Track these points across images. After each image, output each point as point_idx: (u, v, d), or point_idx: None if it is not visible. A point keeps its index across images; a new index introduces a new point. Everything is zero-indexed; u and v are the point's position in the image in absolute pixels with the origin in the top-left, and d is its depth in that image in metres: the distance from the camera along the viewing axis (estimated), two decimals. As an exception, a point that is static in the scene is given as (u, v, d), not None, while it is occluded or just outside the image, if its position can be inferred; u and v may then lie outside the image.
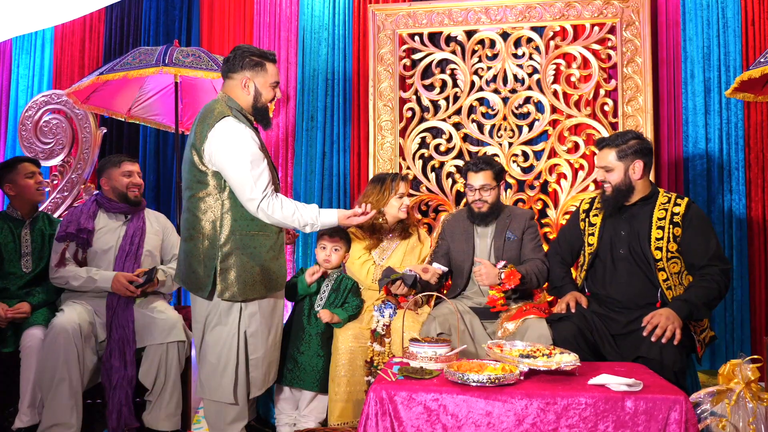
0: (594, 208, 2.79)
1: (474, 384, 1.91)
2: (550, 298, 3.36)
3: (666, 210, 2.60)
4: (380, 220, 3.03)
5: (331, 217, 2.53)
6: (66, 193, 4.09)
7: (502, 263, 2.78)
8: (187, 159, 2.50)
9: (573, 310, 2.62)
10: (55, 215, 4.02)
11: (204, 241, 2.44)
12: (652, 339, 2.36)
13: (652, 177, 3.61)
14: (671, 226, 2.57)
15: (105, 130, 4.21)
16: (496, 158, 3.70)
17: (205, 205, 2.44)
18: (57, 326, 2.67)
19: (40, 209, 3.21)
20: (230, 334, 2.46)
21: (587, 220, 2.79)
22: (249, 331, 2.49)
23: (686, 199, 2.63)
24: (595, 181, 3.71)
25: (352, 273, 3.00)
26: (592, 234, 2.73)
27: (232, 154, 2.38)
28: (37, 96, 4.24)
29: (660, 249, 2.57)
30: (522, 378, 1.98)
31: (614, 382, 1.91)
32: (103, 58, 4.50)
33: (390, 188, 3.03)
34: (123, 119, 4.10)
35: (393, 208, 3.03)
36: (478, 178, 2.93)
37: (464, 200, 3.75)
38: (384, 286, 2.80)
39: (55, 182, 4.11)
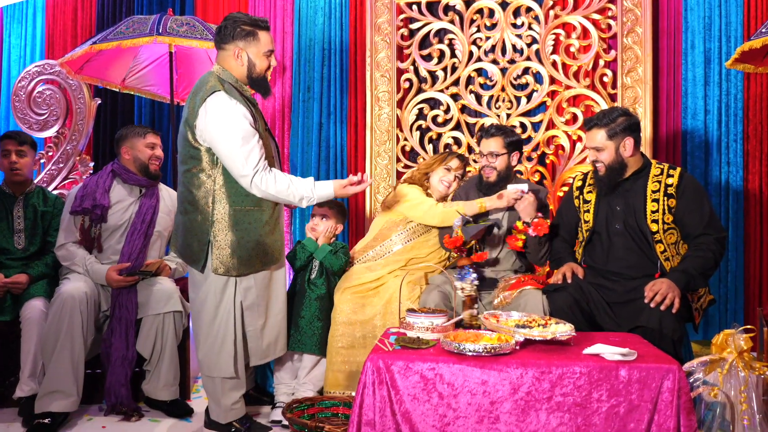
0: (587, 184, 2.78)
1: (470, 354, 1.92)
2: (548, 269, 3.38)
3: (660, 182, 2.60)
4: (426, 183, 3.03)
5: (327, 188, 2.51)
6: (61, 165, 4.07)
7: (539, 213, 2.74)
8: (182, 134, 2.48)
9: (569, 281, 2.63)
10: (50, 187, 4.00)
11: (197, 216, 2.44)
12: (652, 305, 2.39)
13: (650, 149, 3.62)
14: (665, 198, 2.57)
15: (99, 101, 4.17)
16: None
17: (199, 181, 2.43)
18: (64, 293, 2.68)
19: (34, 183, 3.17)
20: (226, 309, 2.48)
21: (581, 197, 2.79)
22: (245, 303, 2.51)
23: (679, 168, 2.62)
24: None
25: (418, 202, 2.92)
26: (588, 211, 2.73)
27: (222, 130, 2.36)
28: (30, 66, 4.18)
29: (656, 221, 2.57)
30: (518, 348, 2.00)
31: (608, 351, 1.93)
32: (96, 27, 4.43)
33: (443, 158, 3.05)
34: (117, 90, 4.06)
35: (436, 177, 3.02)
36: (487, 145, 2.90)
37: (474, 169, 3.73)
38: (472, 235, 2.68)
39: (50, 154, 4.08)
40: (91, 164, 4.11)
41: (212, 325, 2.49)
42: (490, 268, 2.94)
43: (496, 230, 2.88)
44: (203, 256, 2.45)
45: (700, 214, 2.54)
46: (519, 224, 2.73)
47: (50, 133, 4.10)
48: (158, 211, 2.99)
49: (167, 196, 3.08)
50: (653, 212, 2.58)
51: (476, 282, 2.61)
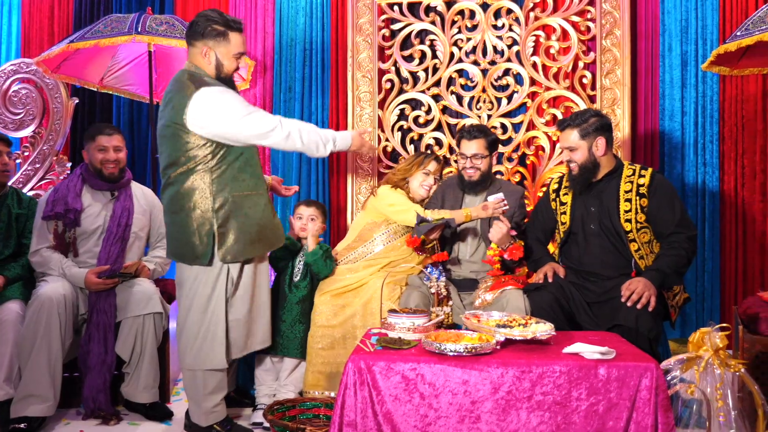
0: (563, 186, 2.83)
1: (451, 354, 1.93)
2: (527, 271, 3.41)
3: (632, 182, 2.66)
4: (404, 187, 3.04)
5: (346, 139, 2.56)
6: (38, 165, 4.00)
7: (514, 233, 2.77)
8: (169, 136, 2.43)
9: (550, 280, 2.66)
10: (27, 188, 3.94)
11: (195, 211, 2.41)
12: (628, 304, 2.43)
13: (628, 150, 3.67)
14: (638, 197, 2.63)
15: (77, 101, 4.11)
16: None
17: (195, 176, 2.41)
18: (42, 295, 2.64)
19: (9, 183, 3.11)
20: (218, 298, 2.46)
21: (558, 199, 2.83)
22: (230, 293, 2.50)
23: (650, 169, 2.69)
24: (571, 155, 3.73)
25: (404, 208, 2.93)
26: (564, 213, 2.78)
27: (222, 109, 2.36)
28: (5, 65, 4.11)
29: (629, 221, 2.62)
30: (498, 347, 2.01)
31: (588, 350, 1.95)
32: (73, 26, 4.36)
33: (421, 162, 3.05)
34: (95, 89, 4.01)
35: (416, 181, 3.04)
36: (471, 147, 2.94)
37: (454, 168, 3.75)
38: (424, 233, 2.72)
39: (26, 154, 4.02)
40: (69, 164, 4.05)
41: (204, 316, 2.46)
42: (470, 270, 2.96)
43: (448, 230, 2.90)
44: (209, 249, 2.42)
45: (671, 212, 2.60)
46: (494, 246, 2.77)
47: (26, 132, 4.03)
48: (133, 213, 2.94)
49: (141, 195, 3.03)
50: (626, 212, 2.63)
51: (442, 280, 2.67)
